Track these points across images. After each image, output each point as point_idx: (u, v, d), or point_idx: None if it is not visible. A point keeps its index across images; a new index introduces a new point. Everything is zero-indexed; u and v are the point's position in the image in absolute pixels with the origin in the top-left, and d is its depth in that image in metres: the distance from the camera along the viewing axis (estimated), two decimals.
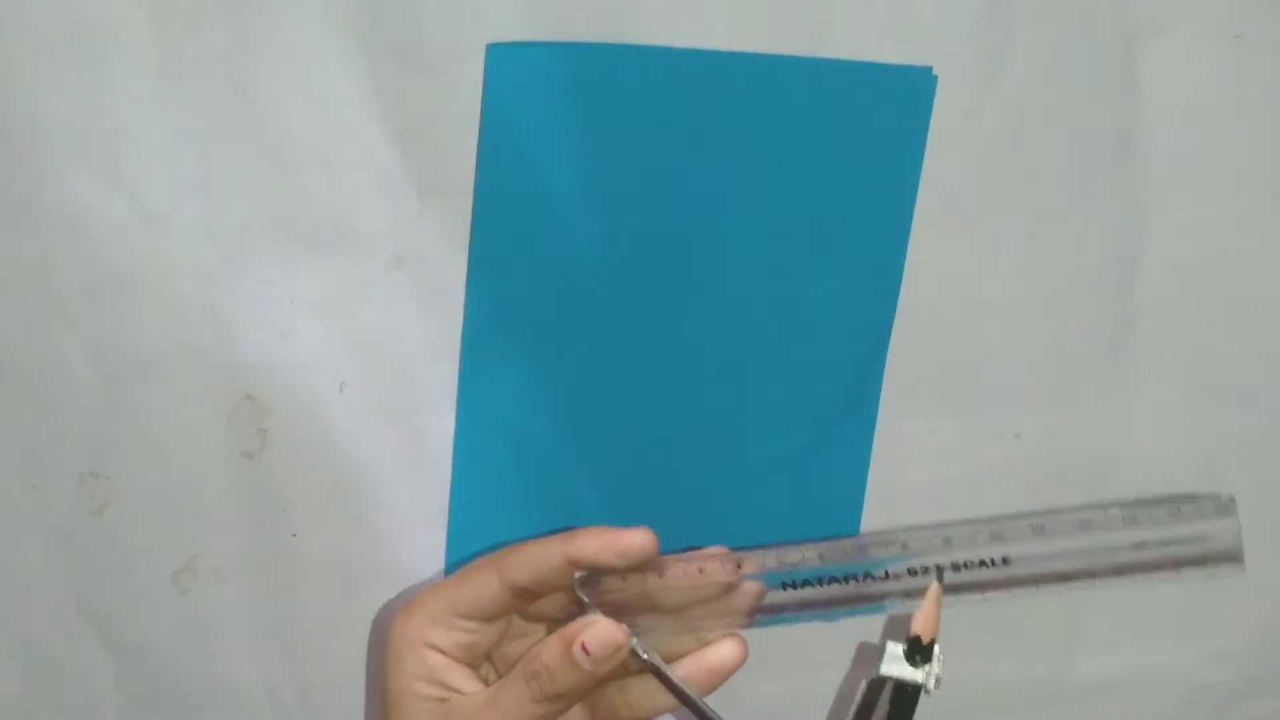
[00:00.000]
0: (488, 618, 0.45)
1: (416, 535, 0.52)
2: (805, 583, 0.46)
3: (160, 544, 0.51)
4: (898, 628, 0.46)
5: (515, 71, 0.46)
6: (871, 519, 0.55)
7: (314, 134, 0.47)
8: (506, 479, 0.52)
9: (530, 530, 0.52)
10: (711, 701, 0.47)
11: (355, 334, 0.50)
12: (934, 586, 0.45)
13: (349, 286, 0.49)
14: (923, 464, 0.54)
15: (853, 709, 0.45)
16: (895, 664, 0.44)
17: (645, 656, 0.46)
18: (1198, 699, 0.59)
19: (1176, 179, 0.51)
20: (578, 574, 0.45)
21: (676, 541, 0.54)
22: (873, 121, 0.49)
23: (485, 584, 0.45)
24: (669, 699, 0.46)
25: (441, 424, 0.51)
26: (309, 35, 0.46)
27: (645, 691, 0.47)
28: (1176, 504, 0.46)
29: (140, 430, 0.50)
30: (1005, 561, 0.46)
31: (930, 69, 0.48)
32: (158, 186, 0.47)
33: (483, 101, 0.47)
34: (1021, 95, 0.49)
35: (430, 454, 0.51)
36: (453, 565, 0.52)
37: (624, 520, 0.52)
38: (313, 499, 0.51)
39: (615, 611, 0.45)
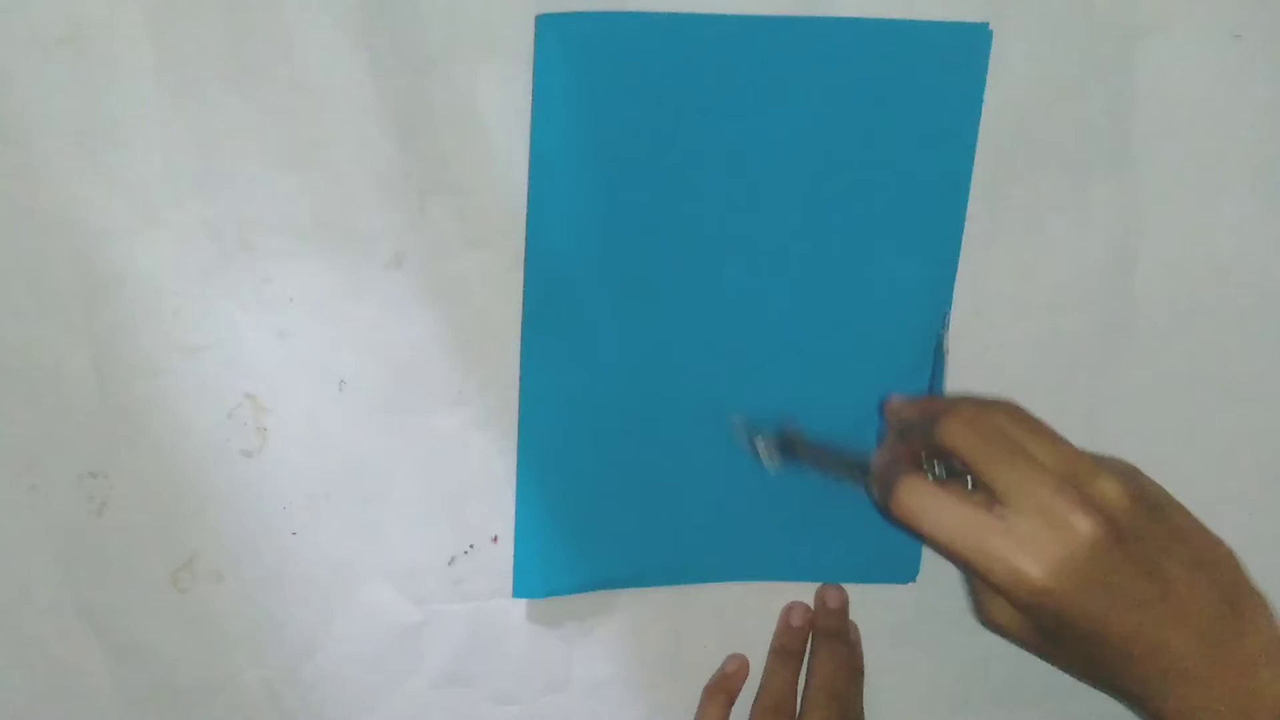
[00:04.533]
0: None
1: (416, 534, 0.52)
2: None
3: (160, 544, 0.51)
4: None
5: (565, 42, 0.46)
6: None
7: (314, 133, 0.47)
8: (570, 447, 0.52)
9: (596, 492, 0.52)
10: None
11: (355, 333, 0.50)
12: None
13: (349, 285, 0.49)
14: None
15: None
16: None
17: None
18: None
19: (1176, 179, 0.51)
20: None
21: (727, 520, 0.54)
22: (930, 80, 0.48)
23: None
24: None
25: (442, 422, 0.51)
26: (309, 34, 0.45)
27: None
28: None
29: (140, 430, 0.50)
30: None
31: (987, 24, 0.48)
32: (158, 186, 0.47)
33: (534, 73, 0.46)
34: (1021, 95, 0.49)
35: (430, 452, 0.51)
36: (522, 532, 0.53)
37: (678, 485, 0.53)
38: (313, 497, 0.51)
39: None
